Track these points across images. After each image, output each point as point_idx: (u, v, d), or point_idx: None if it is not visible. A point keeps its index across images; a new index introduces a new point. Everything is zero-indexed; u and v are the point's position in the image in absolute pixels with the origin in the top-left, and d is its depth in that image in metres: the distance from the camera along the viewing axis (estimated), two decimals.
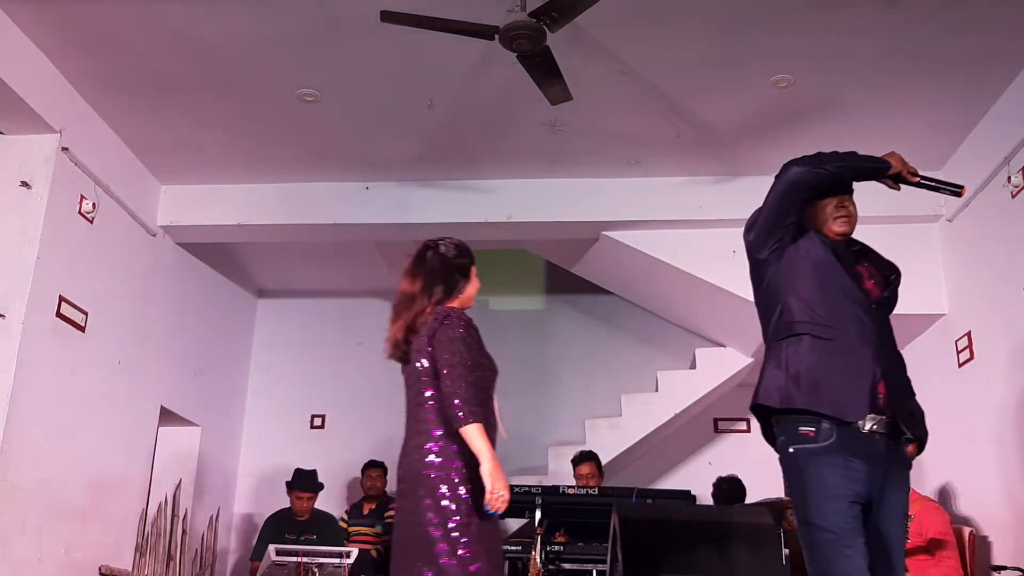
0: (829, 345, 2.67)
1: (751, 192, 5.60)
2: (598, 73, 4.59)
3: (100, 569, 5.05)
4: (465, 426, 2.73)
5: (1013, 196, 4.71)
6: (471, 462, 2.75)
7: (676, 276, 5.83)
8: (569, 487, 5.00)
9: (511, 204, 5.77)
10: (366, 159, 5.60)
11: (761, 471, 6.24)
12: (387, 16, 3.74)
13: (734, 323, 6.19)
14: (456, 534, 2.72)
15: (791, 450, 2.63)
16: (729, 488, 5.67)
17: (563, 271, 6.73)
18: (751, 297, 6.12)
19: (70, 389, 4.89)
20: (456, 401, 2.76)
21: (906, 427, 2.68)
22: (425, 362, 2.91)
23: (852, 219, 2.86)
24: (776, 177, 2.87)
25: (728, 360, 6.56)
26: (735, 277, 5.67)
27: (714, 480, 5.78)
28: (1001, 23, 4.23)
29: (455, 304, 3.05)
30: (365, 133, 5.31)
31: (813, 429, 2.59)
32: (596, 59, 4.48)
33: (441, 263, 3.10)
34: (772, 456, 7.34)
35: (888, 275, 2.95)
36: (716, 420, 7.16)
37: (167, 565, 5.73)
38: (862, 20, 4.21)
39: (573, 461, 5.75)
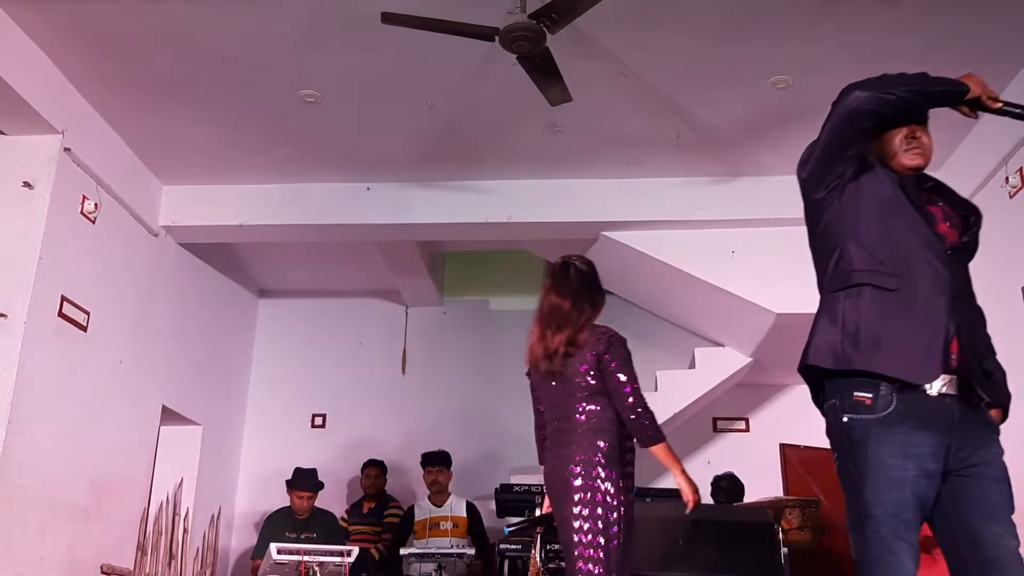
0: (894, 297, 2.29)
1: (750, 192, 5.69)
2: (598, 74, 4.60)
3: (102, 568, 5.06)
4: (654, 445, 3.11)
5: (1011, 196, 4.73)
6: (619, 475, 3.07)
7: (675, 276, 5.84)
8: None
9: (511, 204, 5.78)
10: (366, 159, 5.62)
11: (760, 470, 6.29)
12: (388, 17, 3.75)
13: (733, 323, 6.20)
14: (590, 537, 2.97)
15: (845, 420, 2.27)
16: (728, 485, 5.68)
17: None
18: (750, 297, 6.16)
19: (72, 389, 4.90)
20: (645, 422, 3.09)
21: (983, 391, 2.28)
22: (592, 380, 3.13)
23: (926, 151, 2.51)
24: (834, 103, 2.50)
25: (727, 360, 6.57)
26: (734, 277, 5.71)
27: (711, 479, 5.79)
28: (1001, 23, 4.24)
29: (595, 319, 3.28)
30: (365, 133, 5.32)
31: (870, 396, 2.23)
32: (596, 60, 4.49)
33: (583, 280, 3.31)
34: (771, 456, 7.35)
35: (967, 216, 2.49)
36: (715, 419, 7.17)
37: (169, 564, 5.75)
38: (862, 20, 4.22)
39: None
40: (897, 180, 2.43)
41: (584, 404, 3.13)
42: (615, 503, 3.00)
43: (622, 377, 3.11)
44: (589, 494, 3.01)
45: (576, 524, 2.99)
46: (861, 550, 2.23)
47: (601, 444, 3.07)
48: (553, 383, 3.21)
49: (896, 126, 2.49)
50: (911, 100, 2.48)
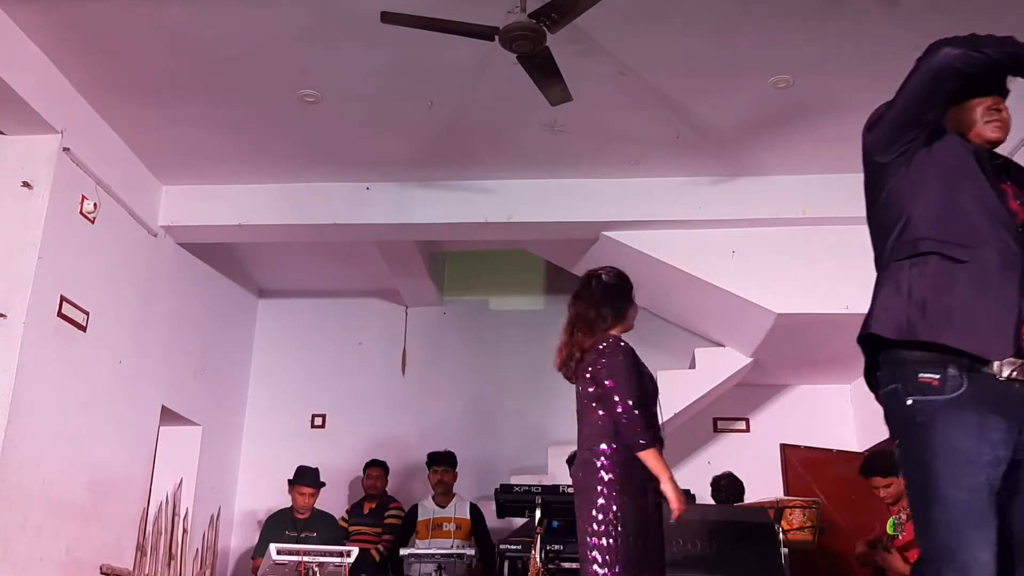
0: (963, 269, 2.12)
1: (750, 192, 5.69)
2: (598, 74, 4.60)
3: (101, 568, 5.06)
4: (642, 452, 3.08)
5: None
6: (629, 478, 3.08)
7: (676, 276, 5.83)
8: (569, 487, 5.00)
9: (511, 204, 5.78)
10: (366, 159, 5.61)
11: (760, 470, 6.29)
12: (387, 17, 3.75)
13: (734, 323, 6.20)
14: (602, 540, 3.02)
15: (909, 403, 2.09)
16: (728, 484, 5.68)
17: (563, 271, 6.74)
18: (751, 297, 6.15)
19: (71, 389, 4.90)
20: (636, 428, 3.08)
21: None
22: (591, 387, 3.22)
23: (1006, 125, 2.35)
24: (918, 60, 2.36)
25: (727, 360, 6.56)
26: (734, 277, 5.71)
27: (711, 480, 5.78)
28: (1001, 23, 4.22)
29: (618, 329, 3.38)
30: (365, 133, 5.32)
31: (938, 377, 2.06)
32: (596, 60, 4.48)
33: (604, 291, 3.42)
34: (771, 456, 7.35)
35: None
36: (715, 420, 7.17)
37: (168, 564, 5.74)
38: (862, 20, 4.22)
39: (568, 461, 5.75)
40: (972, 151, 2.29)
41: (590, 412, 3.23)
42: (614, 507, 3.04)
43: (608, 383, 3.17)
44: (590, 495, 3.09)
45: (582, 524, 3.09)
46: (927, 542, 2.06)
47: (604, 448, 3.12)
48: (574, 387, 3.36)
49: (978, 95, 2.36)
50: (1001, 61, 2.29)
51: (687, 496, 4.92)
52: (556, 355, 3.43)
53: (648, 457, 3.08)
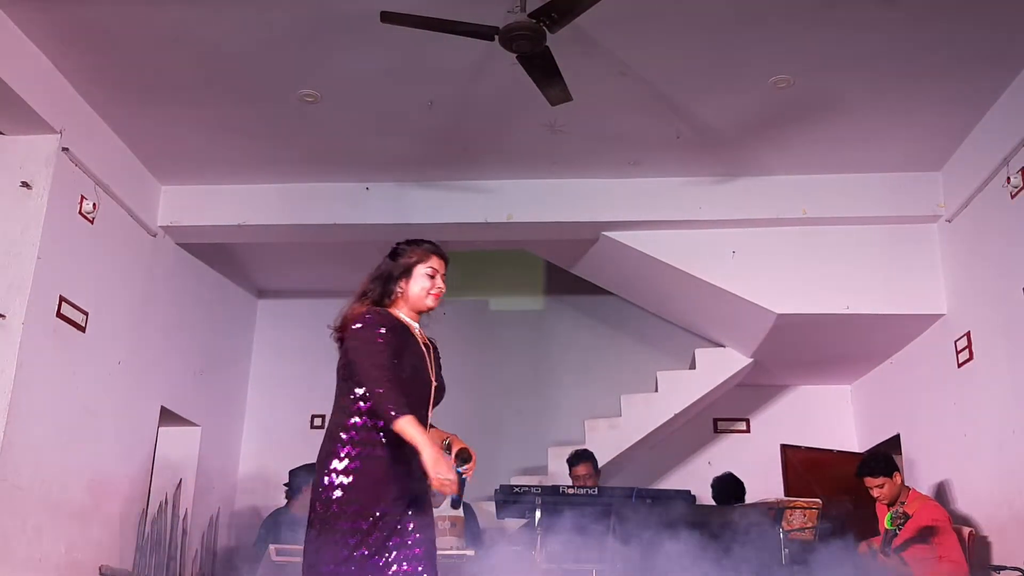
0: None
1: (750, 192, 5.69)
2: (598, 74, 4.59)
3: (100, 569, 5.05)
4: (395, 421, 2.73)
5: (1012, 197, 4.71)
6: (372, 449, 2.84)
7: (676, 276, 5.83)
8: (569, 487, 5.00)
9: (511, 204, 5.77)
10: (366, 159, 5.61)
11: (760, 471, 6.29)
12: (387, 17, 3.74)
13: (734, 323, 6.19)
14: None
15: None
16: (727, 485, 5.67)
17: (563, 271, 6.74)
18: (751, 297, 6.18)
19: (70, 389, 4.89)
20: (379, 402, 2.80)
21: None
22: (342, 359, 3.05)
23: None
24: None
25: (728, 360, 6.56)
26: (734, 277, 5.71)
27: (711, 481, 5.78)
28: (1001, 23, 4.23)
29: (396, 304, 3.10)
30: (365, 133, 5.31)
31: None
32: (596, 60, 4.48)
33: (385, 263, 3.18)
34: (772, 456, 7.38)
35: None
36: (716, 420, 7.16)
37: (167, 565, 5.73)
38: (862, 20, 4.21)
39: (569, 461, 5.75)
40: None
41: (343, 383, 3.11)
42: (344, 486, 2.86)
43: (355, 355, 2.99)
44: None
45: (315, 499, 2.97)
46: None
47: (350, 422, 3.00)
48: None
49: None
50: None
51: (687, 496, 4.93)
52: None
53: (402, 426, 2.75)
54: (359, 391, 2.95)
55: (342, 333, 3.13)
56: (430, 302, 3.13)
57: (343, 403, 3.00)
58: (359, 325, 3.01)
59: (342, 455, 2.88)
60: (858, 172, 5.59)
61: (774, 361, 6.54)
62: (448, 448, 3.02)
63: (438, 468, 2.68)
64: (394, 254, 3.18)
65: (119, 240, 5.42)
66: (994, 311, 4.93)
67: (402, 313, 3.10)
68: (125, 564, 5.36)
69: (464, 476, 2.87)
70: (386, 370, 2.88)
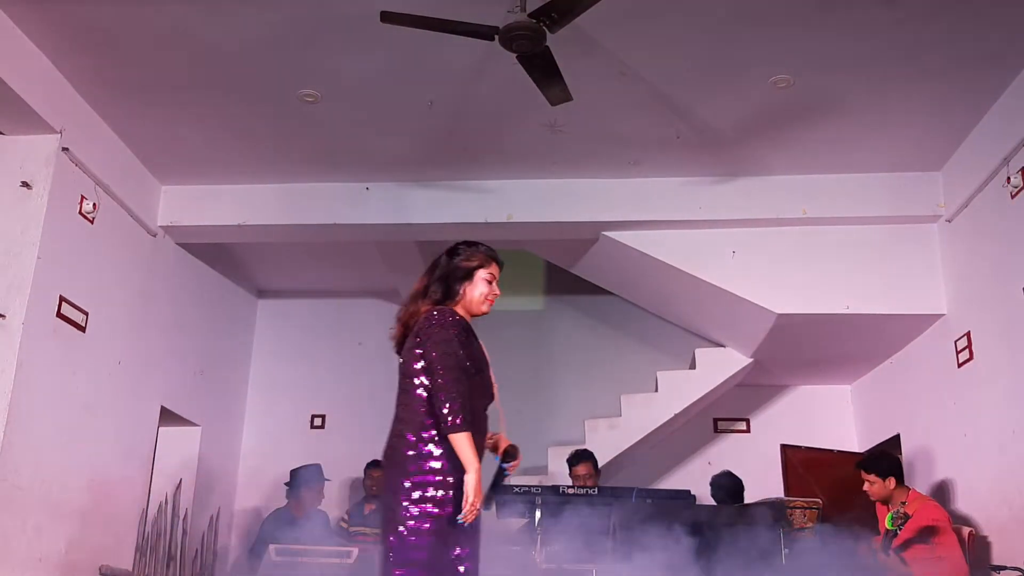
0: None
1: (750, 192, 5.69)
2: (598, 73, 4.59)
3: (100, 569, 5.05)
4: (456, 432, 2.82)
5: (1012, 197, 4.71)
6: (452, 462, 2.84)
7: (676, 276, 5.83)
8: (569, 487, 5.00)
9: (511, 204, 5.77)
10: (366, 159, 5.61)
11: (760, 471, 6.28)
12: (387, 17, 3.74)
13: (734, 323, 6.19)
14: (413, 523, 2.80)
15: None
16: (727, 483, 5.67)
17: (563, 271, 6.74)
18: (751, 297, 6.18)
19: (70, 389, 4.89)
20: (445, 407, 2.83)
21: None
22: (415, 363, 2.97)
23: None
24: None
25: (728, 360, 6.56)
26: (734, 277, 5.71)
27: (710, 479, 5.78)
28: (1001, 23, 4.23)
29: (456, 306, 3.08)
30: (365, 133, 5.31)
31: None
32: (596, 60, 4.48)
33: (446, 264, 3.14)
34: (772, 456, 7.36)
35: None
36: (716, 420, 7.16)
37: (167, 565, 5.73)
38: (862, 20, 4.21)
39: (569, 461, 5.75)
40: None
41: (411, 386, 3.02)
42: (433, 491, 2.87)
43: (433, 355, 2.92)
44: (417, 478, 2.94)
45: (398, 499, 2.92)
46: None
47: (420, 421, 2.95)
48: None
49: None
50: None
51: (687, 496, 4.92)
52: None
53: (457, 440, 2.83)
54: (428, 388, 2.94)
55: (405, 331, 3.10)
56: (485, 308, 3.16)
57: (414, 402, 2.98)
58: (435, 325, 2.98)
59: (436, 454, 2.89)
60: (858, 172, 5.58)
61: (774, 361, 6.54)
62: (495, 446, 3.12)
63: (476, 495, 2.80)
64: (454, 254, 3.17)
65: (119, 240, 5.42)
66: (994, 311, 4.92)
67: None
68: (125, 564, 5.36)
69: (507, 471, 3.03)
70: (459, 374, 2.92)
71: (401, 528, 2.81)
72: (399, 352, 3.14)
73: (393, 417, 3.05)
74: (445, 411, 2.84)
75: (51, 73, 4.70)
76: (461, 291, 3.11)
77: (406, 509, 2.83)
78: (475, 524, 2.89)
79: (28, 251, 4.60)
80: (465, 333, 3.01)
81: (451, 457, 2.86)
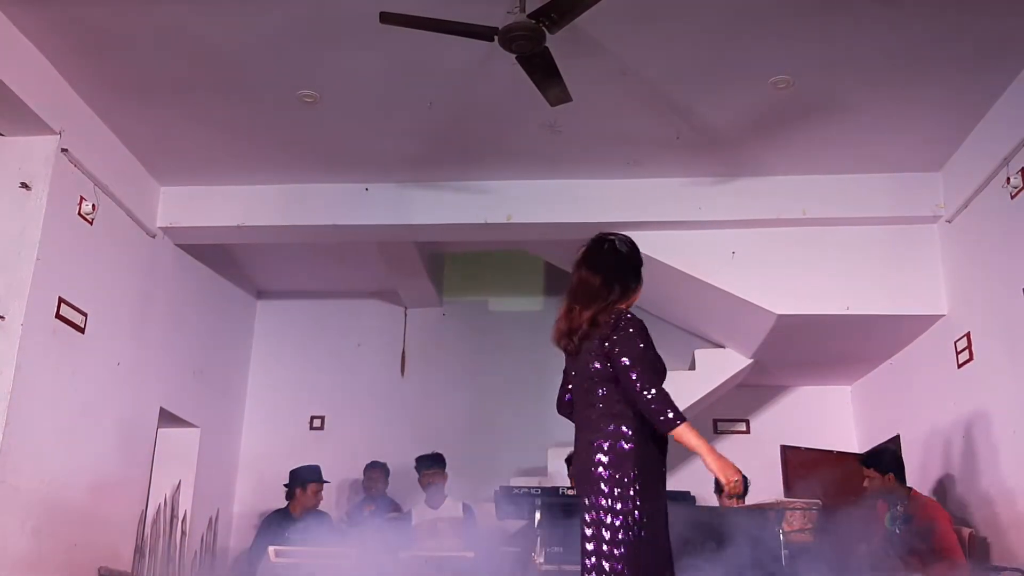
0: None
1: (750, 193, 5.69)
2: (598, 74, 4.59)
3: (100, 570, 5.04)
4: (678, 427, 2.83)
5: (1012, 197, 4.71)
6: (645, 464, 2.87)
7: (676, 277, 5.82)
8: (569, 488, 4.99)
9: (511, 204, 5.77)
10: (366, 160, 5.60)
11: (761, 472, 6.26)
12: (386, 17, 3.74)
13: (734, 324, 6.19)
14: (620, 535, 2.80)
15: None
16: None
17: (563, 271, 6.73)
18: (751, 298, 6.16)
19: (69, 390, 4.88)
20: (654, 406, 2.83)
21: None
22: (598, 364, 2.96)
23: None
24: None
25: (727, 361, 6.55)
26: (734, 277, 5.70)
27: (714, 479, 5.76)
28: (1001, 24, 4.23)
29: (625, 305, 3.08)
30: (365, 134, 5.31)
31: None
32: (596, 60, 4.47)
33: (618, 261, 3.12)
34: (772, 457, 7.35)
35: None
36: (716, 421, 7.16)
37: (167, 566, 5.73)
38: (862, 21, 4.21)
39: (567, 461, 5.75)
40: None
41: (600, 390, 2.97)
42: (630, 492, 2.84)
43: (625, 360, 2.89)
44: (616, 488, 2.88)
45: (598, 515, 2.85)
46: None
47: (612, 429, 2.90)
48: (574, 363, 3.10)
49: None
50: None
51: (687, 496, 4.92)
52: (555, 325, 3.15)
53: (682, 435, 2.87)
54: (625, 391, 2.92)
55: (574, 332, 3.05)
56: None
57: (615, 409, 2.94)
58: (628, 328, 2.97)
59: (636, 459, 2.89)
60: (858, 172, 5.58)
61: (774, 362, 6.54)
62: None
63: (728, 471, 2.86)
64: (631, 255, 3.16)
65: (118, 241, 5.42)
66: (994, 311, 4.92)
67: None
68: (124, 565, 5.35)
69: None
70: (661, 376, 2.94)
71: (629, 534, 2.80)
72: (572, 353, 3.08)
73: (582, 422, 3.00)
74: (657, 408, 2.83)
75: (50, 74, 4.69)
76: (636, 289, 3.12)
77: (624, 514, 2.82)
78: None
79: (27, 252, 4.59)
80: (649, 335, 3.01)
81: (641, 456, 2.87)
